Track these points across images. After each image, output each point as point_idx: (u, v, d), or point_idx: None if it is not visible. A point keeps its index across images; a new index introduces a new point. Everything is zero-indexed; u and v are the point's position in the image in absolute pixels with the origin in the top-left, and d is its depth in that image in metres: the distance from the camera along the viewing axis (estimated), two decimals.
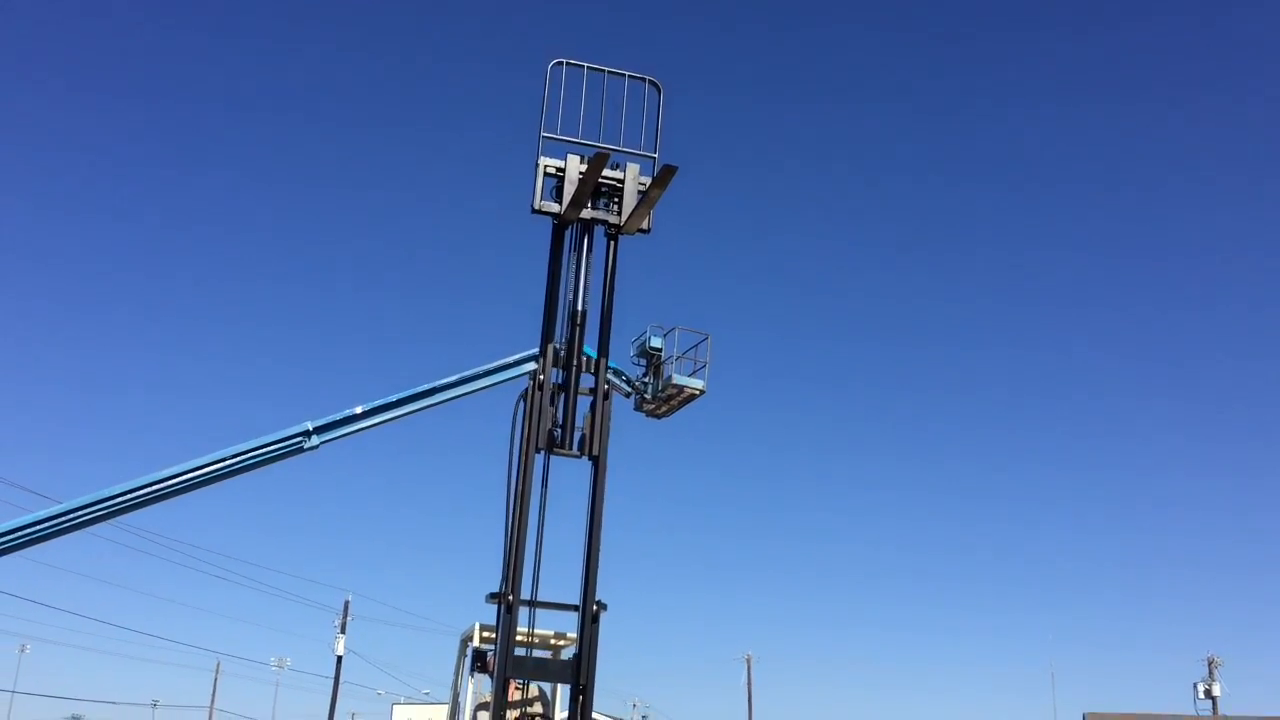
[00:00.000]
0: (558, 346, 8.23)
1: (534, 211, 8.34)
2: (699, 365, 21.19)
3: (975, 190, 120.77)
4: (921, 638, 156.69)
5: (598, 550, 7.83)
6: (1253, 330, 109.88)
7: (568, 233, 8.45)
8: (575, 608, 7.91)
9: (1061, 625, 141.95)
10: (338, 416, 21.67)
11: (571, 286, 8.48)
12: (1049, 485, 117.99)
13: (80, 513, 20.79)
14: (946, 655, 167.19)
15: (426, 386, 22.33)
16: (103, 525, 21.15)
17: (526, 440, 7.98)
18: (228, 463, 20.84)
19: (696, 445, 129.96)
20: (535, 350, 9.37)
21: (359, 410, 21.82)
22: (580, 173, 8.14)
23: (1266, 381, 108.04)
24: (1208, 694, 60.02)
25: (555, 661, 8.03)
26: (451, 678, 9.24)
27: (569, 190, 8.08)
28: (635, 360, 15.27)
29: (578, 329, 8.32)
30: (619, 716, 58.44)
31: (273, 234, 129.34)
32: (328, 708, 66.40)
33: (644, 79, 8.70)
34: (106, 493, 20.82)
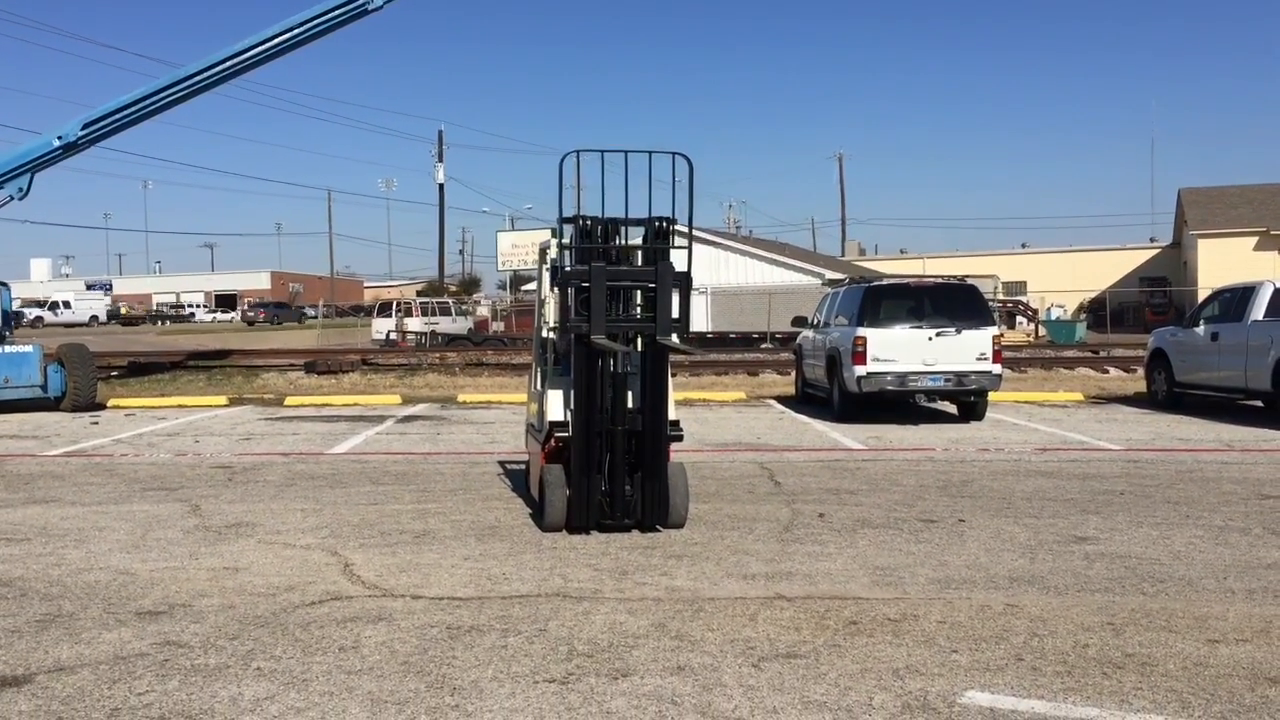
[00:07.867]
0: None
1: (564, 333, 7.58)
2: None
3: None
4: (1016, 113, 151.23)
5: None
6: None
7: None
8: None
9: (1165, 94, 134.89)
10: None
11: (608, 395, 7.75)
12: None
13: (195, 78, 21.05)
14: (1043, 134, 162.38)
15: None
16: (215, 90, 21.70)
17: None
18: (294, 33, 20.80)
19: None
20: None
21: None
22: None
23: None
24: None
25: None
26: (535, 285, 9.63)
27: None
28: None
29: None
30: (713, 228, 60.16)
31: None
32: (436, 228, 71.27)
33: (670, 153, 7.35)
34: (202, 65, 20.95)
